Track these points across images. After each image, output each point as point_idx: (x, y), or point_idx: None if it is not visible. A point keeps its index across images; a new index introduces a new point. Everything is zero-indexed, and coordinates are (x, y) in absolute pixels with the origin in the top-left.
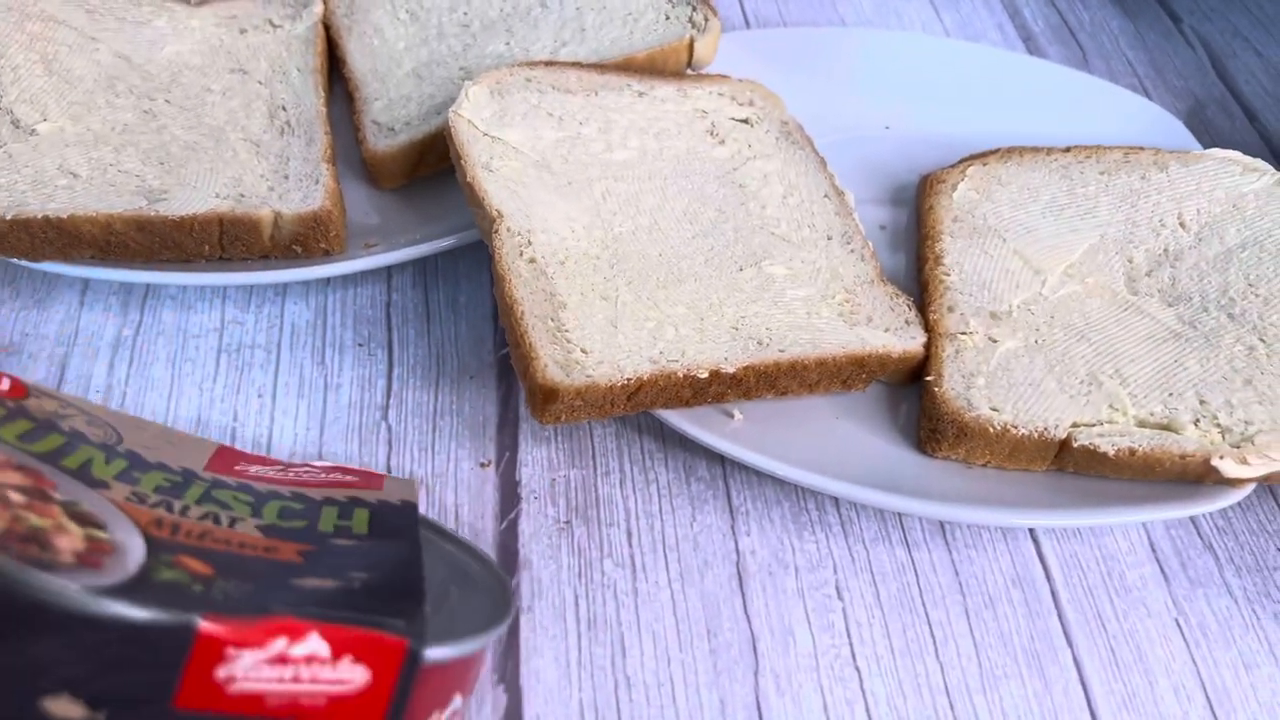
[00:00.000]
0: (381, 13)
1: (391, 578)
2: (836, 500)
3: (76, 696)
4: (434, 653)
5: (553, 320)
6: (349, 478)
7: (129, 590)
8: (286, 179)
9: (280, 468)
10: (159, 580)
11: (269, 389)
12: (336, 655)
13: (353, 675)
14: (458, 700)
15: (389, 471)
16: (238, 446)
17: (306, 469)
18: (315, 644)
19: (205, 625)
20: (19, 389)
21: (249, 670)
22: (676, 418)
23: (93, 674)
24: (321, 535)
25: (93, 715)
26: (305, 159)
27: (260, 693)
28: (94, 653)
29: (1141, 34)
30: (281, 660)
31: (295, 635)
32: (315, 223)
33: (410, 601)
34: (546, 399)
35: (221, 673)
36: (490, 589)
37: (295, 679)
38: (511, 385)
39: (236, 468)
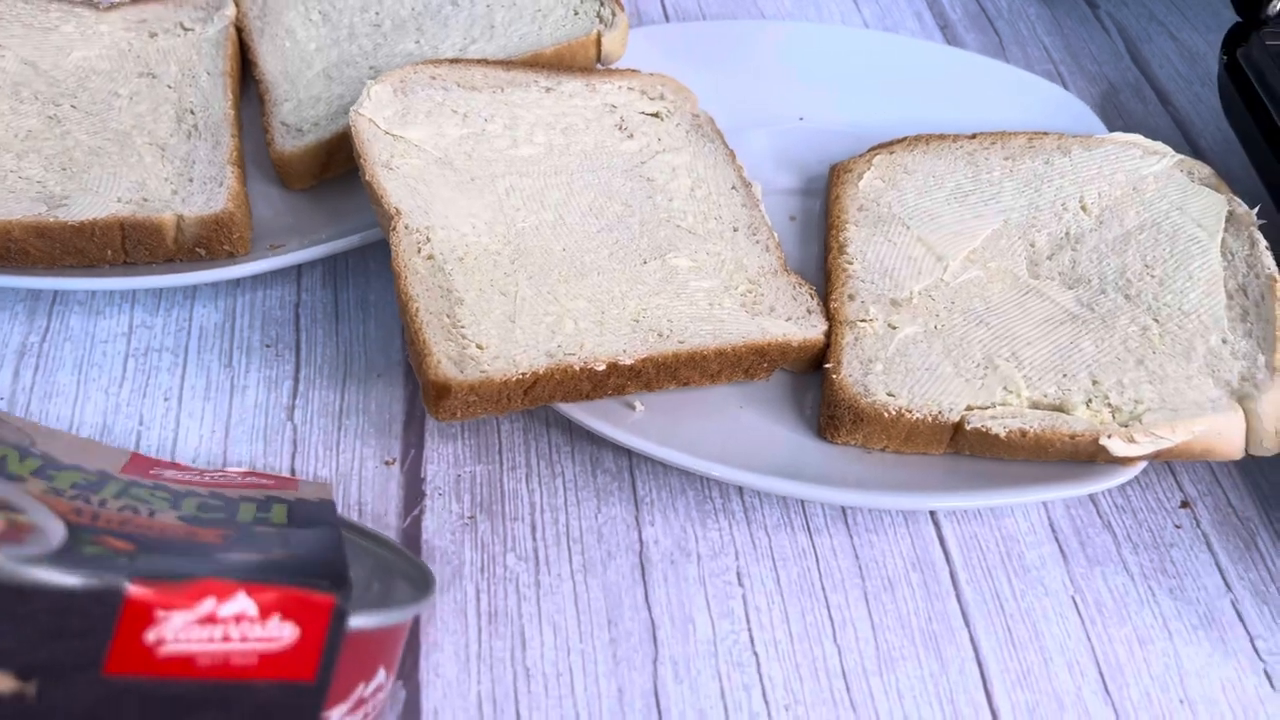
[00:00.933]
0: (294, 14)
1: (315, 555)
2: (740, 488)
3: (5, 668)
4: (359, 620)
5: (448, 316)
6: (264, 481)
7: (54, 560)
8: (191, 182)
9: (195, 473)
10: (83, 554)
11: (175, 392)
12: (265, 614)
13: (281, 633)
14: (382, 674)
15: (295, 474)
16: (144, 452)
17: (221, 474)
18: (243, 603)
19: (133, 589)
20: None
21: (179, 632)
22: (579, 411)
23: (20, 645)
24: (240, 524)
25: (22, 686)
26: (210, 162)
27: (190, 654)
28: (21, 623)
29: (1058, 20)
30: (210, 620)
31: (223, 595)
32: (218, 225)
33: (335, 571)
34: (440, 395)
35: (151, 636)
36: (411, 575)
37: (225, 639)
38: (418, 383)
39: (151, 472)
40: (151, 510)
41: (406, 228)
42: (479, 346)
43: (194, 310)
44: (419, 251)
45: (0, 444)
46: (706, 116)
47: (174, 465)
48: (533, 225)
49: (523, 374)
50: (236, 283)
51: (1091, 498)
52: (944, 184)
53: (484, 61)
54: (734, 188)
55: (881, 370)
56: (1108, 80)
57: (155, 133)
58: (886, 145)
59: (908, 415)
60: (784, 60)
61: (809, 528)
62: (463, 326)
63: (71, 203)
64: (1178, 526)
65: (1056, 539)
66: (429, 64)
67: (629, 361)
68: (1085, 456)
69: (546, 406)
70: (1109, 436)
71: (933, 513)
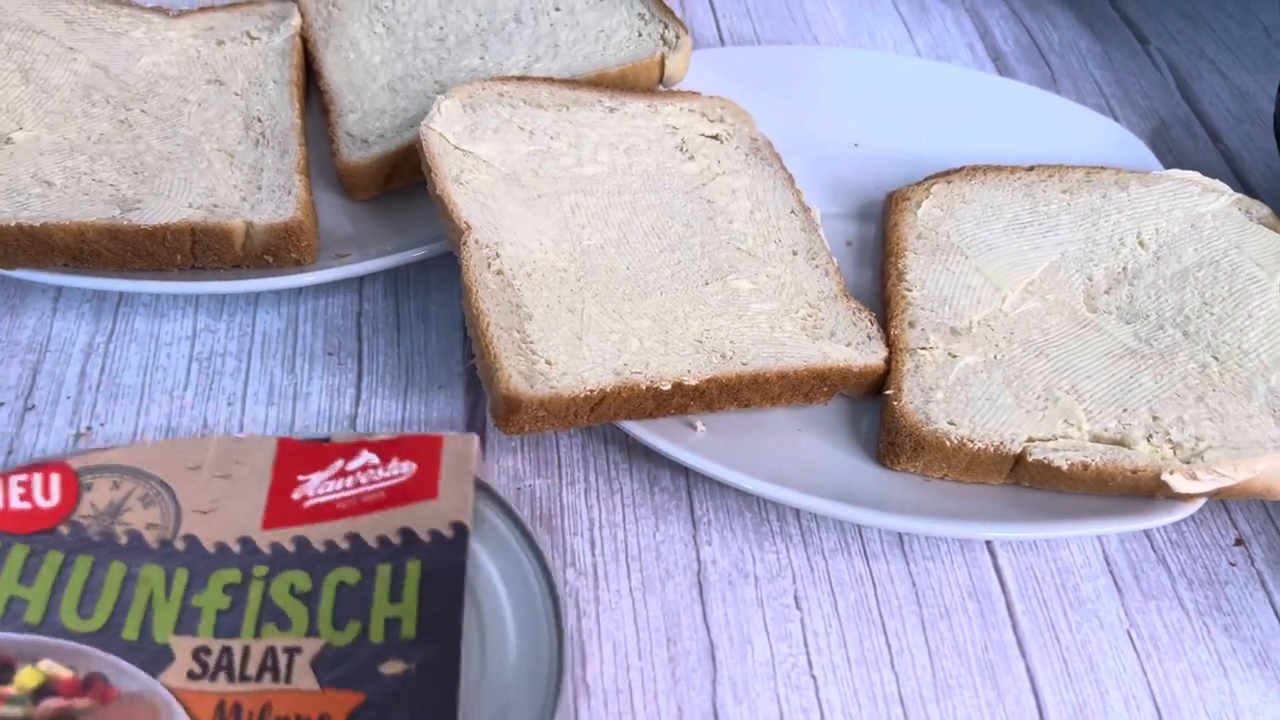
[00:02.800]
0: (358, 26)
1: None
2: (797, 511)
3: None
4: None
5: (518, 332)
6: (403, 471)
7: None
8: (259, 189)
9: (337, 472)
10: None
11: (239, 397)
12: None
13: None
14: None
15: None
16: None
17: (365, 466)
18: None
19: None
20: (69, 494)
21: None
22: (640, 429)
23: None
24: (375, 666)
25: None
26: (279, 170)
27: None
28: None
29: (1109, 55)
30: None
31: None
32: (287, 233)
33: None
34: (510, 409)
35: None
36: None
37: None
38: (479, 395)
39: (296, 494)
40: (290, 653)
41: (477, 242)
42: (548, 362)
43: (257, 316)
44: (489, 266)
45: (147, 563)
46: (765, 140)
47: (317, 454)
48: (597, 243)
49: (590, 391)
50: (299, 290)
51: (1146, 533)
52: (1002, 215)
53: (550, 80)
54: (793, 211)
55: (942, 399)
56: (1159, 116)
57: (224, 139)
58: (944, 174)
59: (969, 445)
60: (840, 86)
61: (866, 553)
62: (532, 342)
63: (144, 206)
64: (1232, 564)
65: (1111, 572)
66: (497, 80)
67: (693, 382)
68: (1146, 491)
69: (604, 424)
70: (1171, 472)
71: (989, 542)
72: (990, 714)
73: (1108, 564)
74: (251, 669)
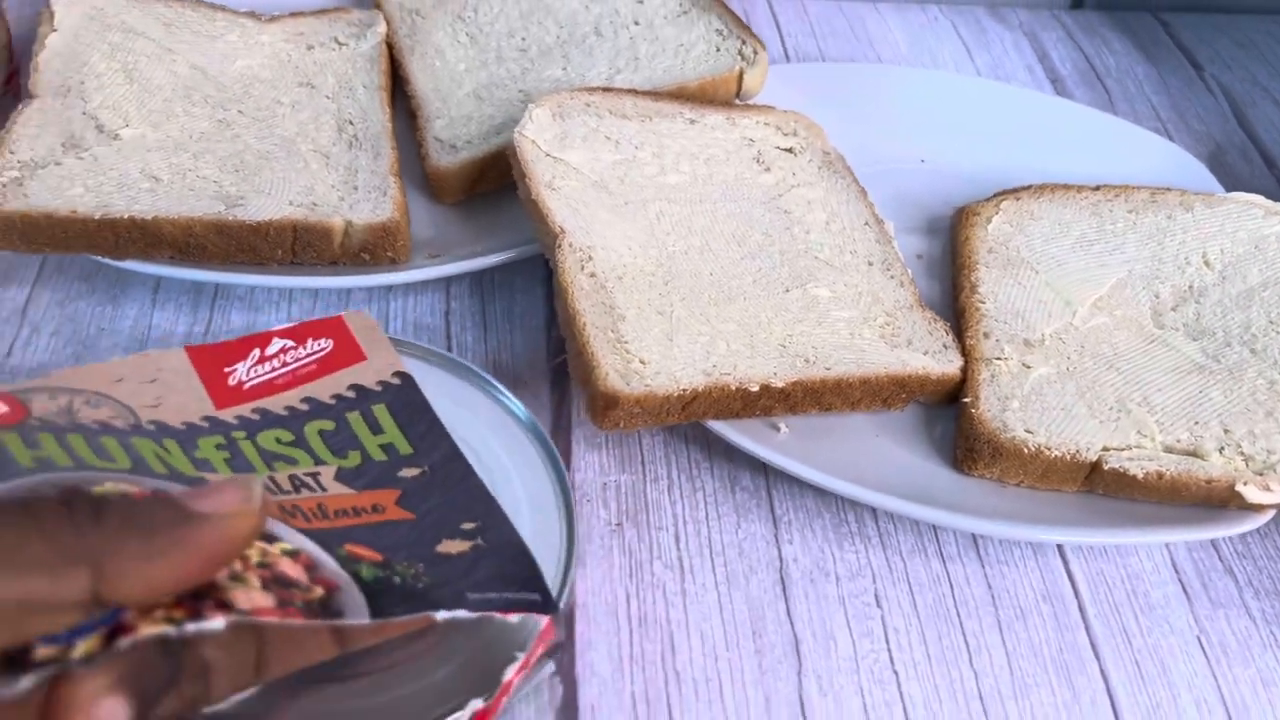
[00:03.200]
0: (442, 35)
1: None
2: (875, 514)
3: None
4: None
5: (613, 332)
6: (322, 345)
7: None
8: (356, 190)
9: (258, 359)
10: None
11: None
12: None
13: None
14: None
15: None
16: None
17: (283, 349)
18: None
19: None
20: (15, 406)
21: None
22: (728, 429)
23: None
24: (392, 473)
25: None
26: (373, 171)
27: None
28: None
29: (1165, 80)
30: None
31: None
32: (384, 232)
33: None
34: (608, 406)
35: None
36: None
37: None
38: (564, 393)
39: (231, 381)
40: (311, 476)
41: (571, 246)
42: (642, 361)
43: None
44: (583, 269)
45: (126, 434)
46: (837, 154)
47: (228, 350)
48: (682, 250)
49: (683, 390)
50: (389, 288)
51: (1214, 544)
52: (1069, 232)
53: (633, 91)
54: (867, 223)
55: (1018, 407)
56: (1214, 140)
57: (318, 141)
58: (1013, 191)
59: (1046, 452)
60: (906, 104)
61: (942, 555)
62: (626, 342)
63: (247, 203)
64: None
65: (1180, 580)
66: (584, 91)
67: (780, 384)
68: (1218, 501)
69: (685, 424)
70: (1245, 483)
71: (1060, 548)
72: (1067, 713)
73: (1176, 572)
74: (287, 489)
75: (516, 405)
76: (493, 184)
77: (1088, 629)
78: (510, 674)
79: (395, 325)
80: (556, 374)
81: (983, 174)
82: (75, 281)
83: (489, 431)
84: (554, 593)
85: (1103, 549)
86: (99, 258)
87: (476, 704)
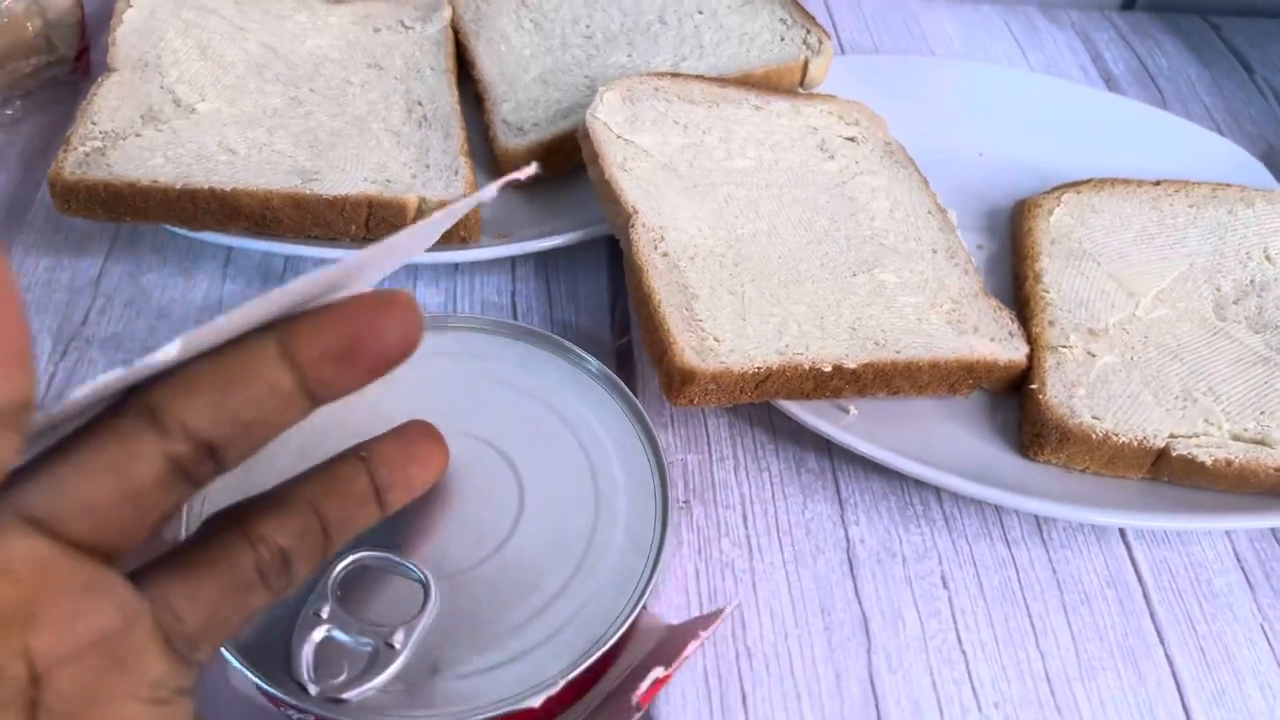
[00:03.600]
0: (507, 20)
1: None
2: (940, 497)
3: None
4: None
5: (687, 310)
6: None
7: None
8: (428, 168)
9: None
10: None
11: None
12: None
13: None
14: None
15: None
16: None
17: None
18: None
19: None
20: None
21: None
22: (799, 410)
23: None
24: None
25: None
26: (444, 151)
27: None
28: None
29: (1218, 82)
30: None
31: None
32: None
33: None
34: (685, 381)
35: None
36: None
37: None
38: (629, 373)
39: None
40: None
41: (644, 225)
42: (716, 339)
43: (417, 290)
44: (656, 249)
45: None
46: (898, 144)
47: None
48: (750, 232)
49: (758, 368)
50: (456, 267)
51: (1275, 533)
52: (1130, 225)
53: (700, 77)
54: (930, 212)
55: (1085, 394)
56: (1267, 142)
57: (389, 120)
58: (1073, 185)
59: (1114, 438)
60: (964, 97)
61: (1007, 539)
62: (700, 320)
63: (322, 178)
64: None
65: (1242, 569)
66: (652, 76)
67: (852, 365)
68: None
69: (751, 404)
70: None
71: (1124, 535)
72: (1134, 695)
73: (1238, 560)
74: None
75: (590, 360)
76: (558, 167)
77: (1152, 615)
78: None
79: (463, 304)
80: (621, 353)
81: (1041, 167)
82: (147, 254)
83: (565, 388)
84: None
85: (1165, 536)
86: (175, 229)
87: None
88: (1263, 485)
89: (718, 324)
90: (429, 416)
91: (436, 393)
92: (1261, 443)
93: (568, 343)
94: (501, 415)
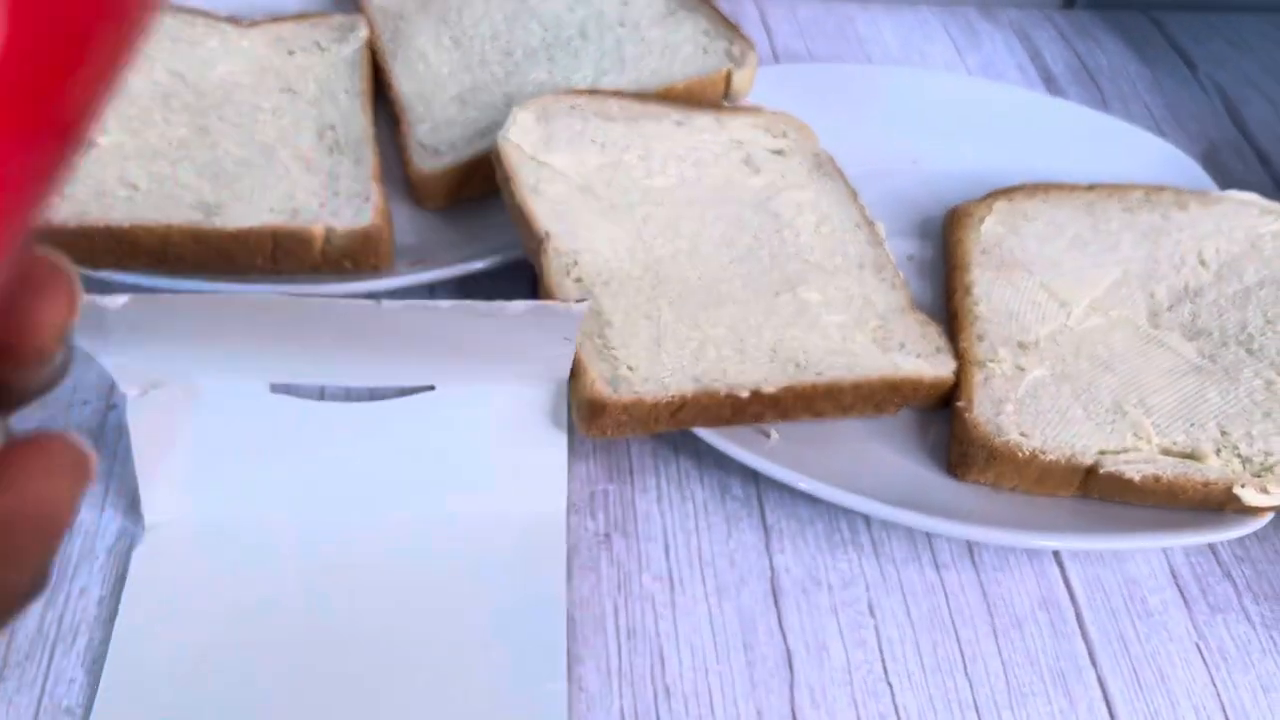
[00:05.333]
0: (425, 39)
1: None
2: (868, 521)
3: None
4: None
5: (599, 338)
6: None
7: None
8: (337, 195)
9: None
10: None
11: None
12: None
13: None
14: None
15: None
16: None
17: None
18: None
19: None
20: None
21: None
22: (717, 437)
23: None
24: None
25: None
26: (355, 177)
27: None
28: None
29: (1158, 79)
30: None
31: None
32: (366, 239)
33: None
34: (595, 413)
35: None
36: None
37: None
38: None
39: None
40: None
41: (555, 250)
42: (630, 368)
43: None
44: (568, 274)
45: None
46: (827, 155)
47: None
48: (669, 253)
49: (672, 397)
50: (372, 295)
51: (1211, 547)
52: (1064, 232)
53: (619, 93)
54: (858, 225)
55: (1013, 411)
56: (1208, 139)
57: (299, 146)
58: (1006, 191)
59: (1042, 456)
60: (896, 104)
61: (936, 563)
62: (613, 348)
63: (226, 211)
64: None
65: (1178, 585)
66: (569, 93)
67: (771, 390)
68: (1216, 504)
69: (674, 431)
70: (1242, 485)
71: (1057, 554)
72: None
73: (1174, 577)
74: None
75: None
76: (477, 189)
77: (1085, 636)
78: None
79: None
80: None
81: (975, 174)
82: None
83: None
84: None
85: (1099, 555)
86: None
87: None
88: (1192, 500)
89: (631, 352)
90: None
91: None
92: (1190, 456)
93: None
94: None
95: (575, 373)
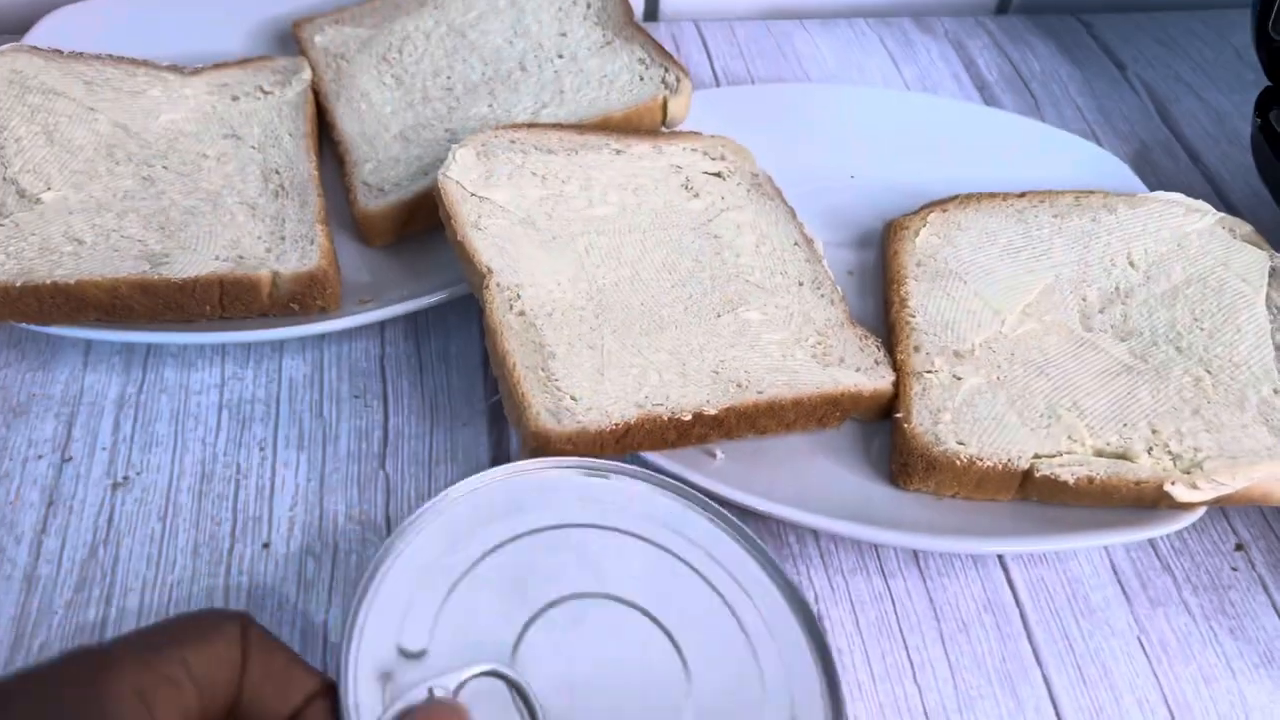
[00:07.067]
0: (368, 78)
1: None
2: (816, 534)
3: None
4: None
5: (543, 370)
6: None
7: None
8: (283, 240)
9: None
10: None
11: (270, 442)
12: None
13: None
14: None
15: (389, 523)
16: (241, 496)
17: None
18: None
19: None
20: None
21: None
22: (663, 459)
23: None
24: None
25: None
26: (300, 220)
27: None
28: None
29: (1089, 81)
30: None
31: None
32: (312, 282)
33: None
34: (540, 445)
35: None
36: None
37: None
38: (503, 430)
39: None
40: None
41: (498, 285)
42: (573, 398)
43: (283, 363)
44: (511, 308)
45: None
46: (765, 175)
47: None
48: (612, 281)
49: (615, 424)
50: (323, 336)
51: (1151, 542)
52: (996, 240)
53: (558, 125)
54: (796, 243)
55: (950, 420)
56: (1140, 139)
57: (244, 192)
58: (940, 203)
59: (979, 463)
60: (833, 121)
61: (884, 571)
62: (557, 380)
63: (172, 260)
64: (1234, 569)
65: (1119, 581)
66: (508, 128)
67: (713, 411)
68: (1149, 502)
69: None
70: (1173, 483)
71: (1001, 557)
72: None
73: (1115, 573)
74: None
75: (736, 524)
76: (422, 225)
77: (1030, 637)
78: None
79: (330, 374)
80: (494, 411)
81: (912, 186)
82: (3, 349)
83: (718, 548)
84: None
85: (1042, 556)
86: (24, 325)
87: None
88: (1125, 500)
89: (574, 382)
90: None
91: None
92: (1123, 456)
93: (717, 506)
94: (653, 578)
95: (519, 407)
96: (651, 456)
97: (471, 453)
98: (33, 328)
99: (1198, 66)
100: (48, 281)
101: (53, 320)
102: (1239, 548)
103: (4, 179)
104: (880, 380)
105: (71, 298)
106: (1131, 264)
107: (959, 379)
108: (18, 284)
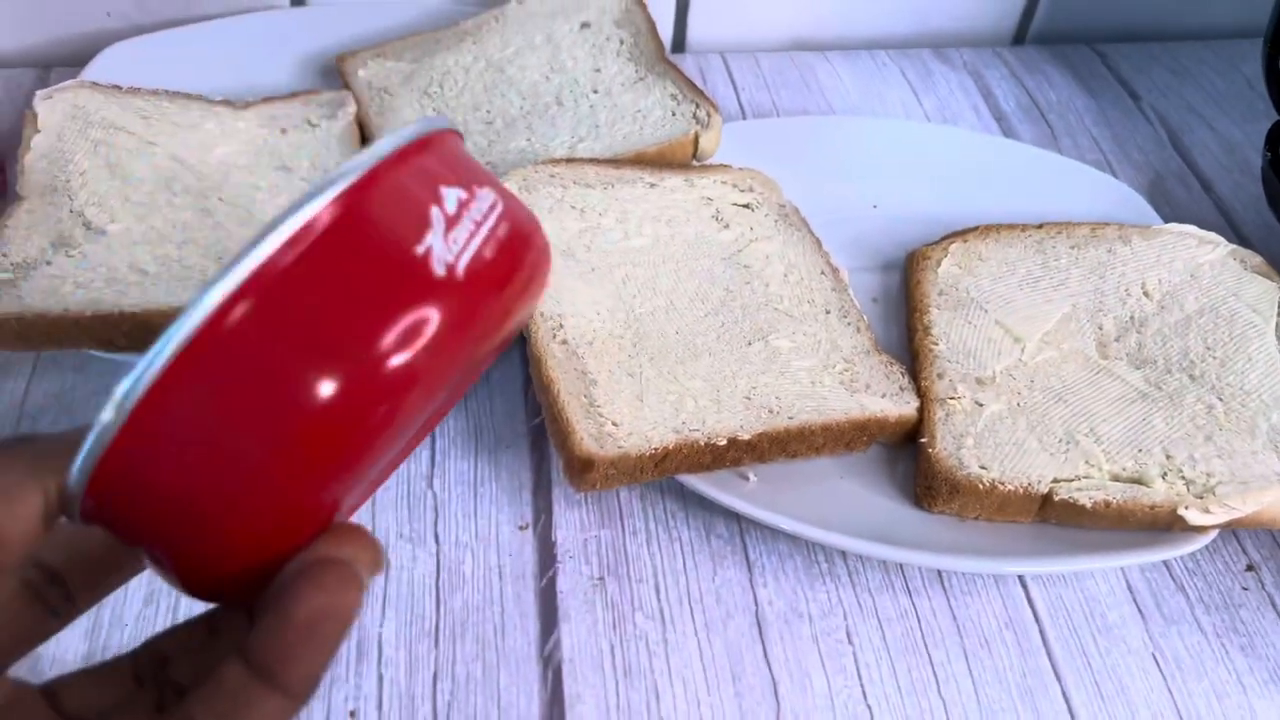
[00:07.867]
0: (410, 111)
1: None
2: (844, 553)
3: None
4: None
5: (585, 397)
6: None
7: None
8: None
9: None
10: None
11: None
12: None
13: None
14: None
15: (439, 539)
16: None
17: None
18: None
19: None
20: None
21: None
22: (699, 482)
23: None
24: None
25: None
26: None
27: None
28: None
29: (1104, 111)
30: None
31: None
32: None
33: None
34: (584, 469)
35: None
36: None
37: None
38: (544, 453)
39: None
40: None
41: (543, 315)
42: (614, 424)
43: None
44: (555, 337)
45: None
46: (792, 206)
47: None
48: (648, 311)
49: (655, 449)
50: None
51: (1165, 563)
52: (1016, 270)
53: (595, 160)
54: (823, 272)
55: (973, 445)
56: (1153, 169)
57: None
58: (960, 234)
59: (1001, 487)
60: (856, 152)
61: (909, 590)
62: (599, 406)
63: None
64: (1245, 589)
65: (1134, 600)
66: (548, 163)
67: (746, 436)
68: (1163, 525)
69: (665, 478)
70: (1186, 507)
71: (1021, 577)
72: None
73: (1131, 593)
74: None
75: None
76: None
77: (1049, 653)
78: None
79: None
80: (535, 435)
81: (933, 216)
82: (69, 373)
83: None
84: None
85: (1060, 576)
86: (93, 351)
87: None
88: (1140, 523)
89: (615, 408)
90: None
91: None
92: (1139, 481)
93: None
94: None
95: (563, 432)
96: (690, 480)
97: (514, 473)
98: (100, 354)
99: (1210, 97)
100: (116, 311)
101: (121, 348)
102: (1250, 568)
103: (71, 211)
104: (905, 406)
105: (139, 325)
106: (1146, 294)
107: (981, 405)
108: (88, 313)
